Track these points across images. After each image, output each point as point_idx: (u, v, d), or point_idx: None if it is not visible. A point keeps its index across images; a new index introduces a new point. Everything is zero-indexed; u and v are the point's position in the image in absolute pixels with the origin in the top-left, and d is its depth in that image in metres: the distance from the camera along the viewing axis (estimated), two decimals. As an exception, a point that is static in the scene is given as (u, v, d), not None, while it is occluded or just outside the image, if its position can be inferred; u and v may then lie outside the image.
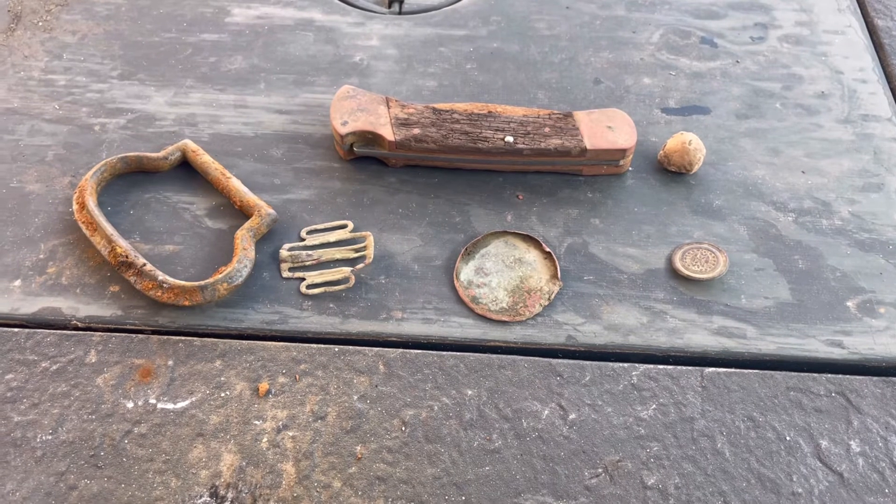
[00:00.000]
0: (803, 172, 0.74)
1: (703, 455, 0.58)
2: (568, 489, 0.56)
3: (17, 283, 0.66)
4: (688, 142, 0.71)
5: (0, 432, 0.58)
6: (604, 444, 0.58)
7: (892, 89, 0.82)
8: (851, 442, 0.59)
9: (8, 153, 0.74)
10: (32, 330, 0.63)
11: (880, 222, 0.71)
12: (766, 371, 0.62)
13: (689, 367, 0.62)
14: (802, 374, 0.62)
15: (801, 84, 0.82)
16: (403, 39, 0.85)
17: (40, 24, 0.86)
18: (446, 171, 0.74)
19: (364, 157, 0.74)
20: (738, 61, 0.84)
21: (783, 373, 0.62)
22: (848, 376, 0.62)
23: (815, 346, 0.63)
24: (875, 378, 0.62)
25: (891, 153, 0.76)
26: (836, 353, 0.63)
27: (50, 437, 0.58)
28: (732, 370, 0.62)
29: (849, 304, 0.66)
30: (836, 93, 0.81)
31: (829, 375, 0.62)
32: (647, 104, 0.80)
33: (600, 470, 0.57)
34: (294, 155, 0.75)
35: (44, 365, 0.62)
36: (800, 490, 0.56)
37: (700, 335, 0.64)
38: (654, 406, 0.60)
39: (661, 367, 0.62)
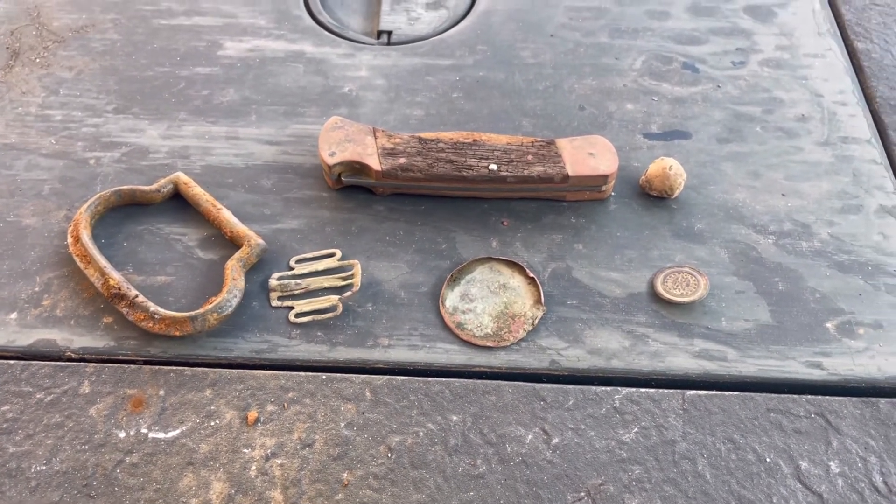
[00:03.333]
0: (783, 195, 0.76)
1: (685, 477, 0.59)
2: (551, 513, 0.57)
3: (14, 315, 0.67)
4: (668, 167, 0.73)
5: (-5, 463, 0.60)
6: (586, 467, 0.59)
7: (871, 111, 0.83)
8: (831, 463, 0.59)
9: (5, 188, 0.76)
10: (28, 361, 0.65)
11: (859, 244, 0.72)
12: (746, 393, 0.63)
13: (671, 390, 0.63)
14: (782, 395, 0.63)
15: (781, 107, 0.83)
16: (391, 70, 0.87)
17: (38, 60, 0.88)
18: (432, 199, 0.76)
19: (352, 186, 0.76)
20: (719, 86, 0.85)
21: (763, 394, 0.63)
22: (827, 397, 0.63)
23: (795, 367, 0.64)
24: (854, 399, 0.62)
25: (870, 175, 0.77)
26: (815, 375, 0.64)
27: (44, 468, 0.60)
28: (713, 392, 0.63)
29: (828, 325, 0.67)
30: (816, 116, 0.83)
31: (809, 397, 0.63)
32: (630, 130, 0.81)
33: (583, 493, 0.58)
34: (284, 185, 0.77)
35: (38, 396, 0.63)
36: (780, 511, 0.57)
37: (681, 358, 0.65)
38: (637, 429, 0.61)
39: (643, 390, 0.63)
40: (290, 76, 0.87)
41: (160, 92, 0.85)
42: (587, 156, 0.73)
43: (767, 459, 0.60)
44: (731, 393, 0.63)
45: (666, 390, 0.63)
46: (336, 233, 0.73)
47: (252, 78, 0.86)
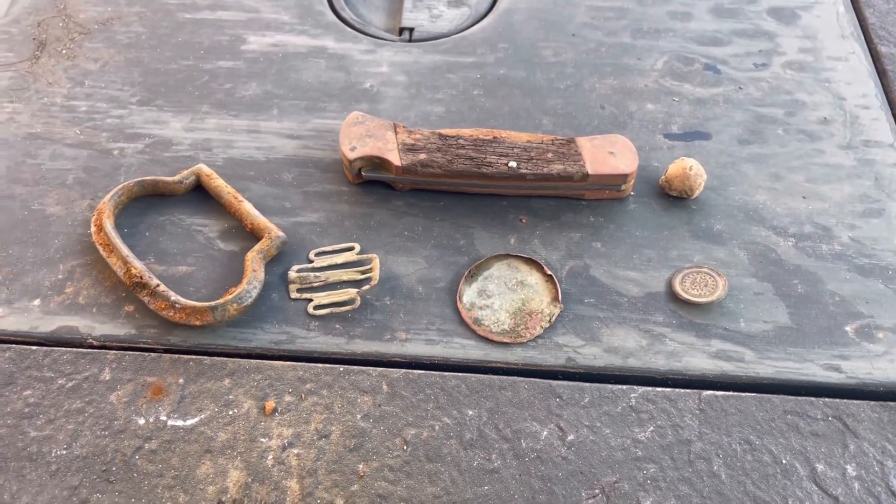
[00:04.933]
0: (804, 197, 0.75)
1: (700, 477, 0.59)
2: (565, 509, 0.57)
3: (37, 302, 0.68)
4: (688, 167, 0.73)
5: (17, 447, 0.61)
6: (601, 465, 0.59)
7: (894, 115, 0.83)
8: (847, 466, 0.59)
9: (30, 176, 0.77)
10: (50, 348, 0.66)
11: (880, 247, 0.71)
12: (763, 394, 0.63)
13: (687, 390, 0.63)
14: (800, 398, 0.63)
15: (803, 110, 0.83)
16: (412, 66, 0.88)
17: (64, 51, 0.90)
18: (451, 195, 0.76)
19: (372, 181, 0.76)
20: (741, 87, 0.85)
21: (781, 396, 0.63)
22: (845, 400, 0.62)
23: (813, 370, 0.64)
24: (872, 402, 0.62)
25: (892, 179, 0.77)
26: (833, 378, 0.64)
27: (64, 452, 0.60)
28: (730, 393, 0.63)
29: (847, 328, 0.66)
30: (839, 119, 0.82)
31: (827, 399, 0.62)
32: (651, 130, 0.81)
33: (597, 491, 0.58)
34: (304, 179, 0.78)
35: (60, 382, 0.64)
36: (795, 513, 0.57)
37: (698, 358, 0.65)
38: (652, 428, 0.61)
39: (659, 389, 0.63)
40: (311, 71, 0.87)
41: (184, 85, 0.86)
42: (607, 155, 0.73)
43: (784, 461, 0.59)
44: (747, 394, 0.63)
45: (682, 390, 0.63)
46: (355, 227, 0.74)
47: (274, 72, 0.87)
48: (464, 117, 0.83)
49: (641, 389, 0.63)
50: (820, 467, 0.59)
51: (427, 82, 0.86)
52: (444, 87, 0.86)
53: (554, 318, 0.67)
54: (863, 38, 0.91)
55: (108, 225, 0.71)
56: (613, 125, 0.82)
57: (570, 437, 0.61)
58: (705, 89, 0.85)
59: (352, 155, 0.74)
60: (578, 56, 0.89)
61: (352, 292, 0.68)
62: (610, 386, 0.63)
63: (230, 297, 0.66)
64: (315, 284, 0.70)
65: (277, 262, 0.71)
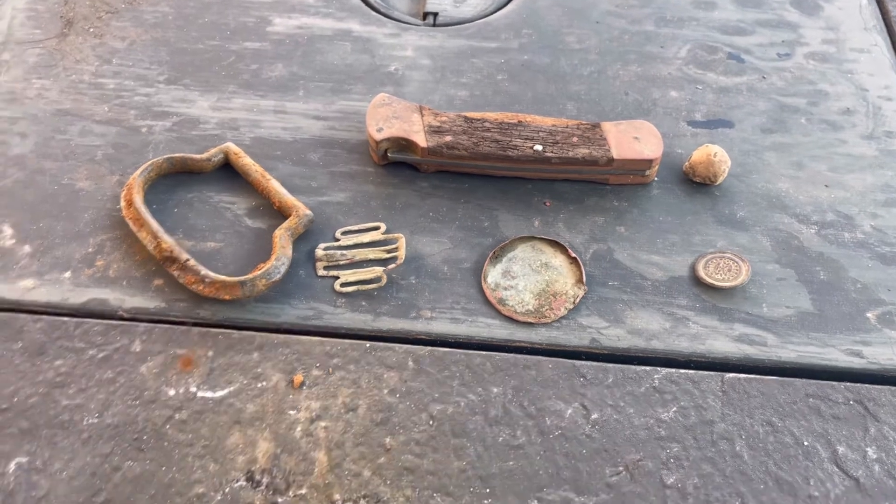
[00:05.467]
0: (826, 186, 0.76)
1: (722, 457, 0.60)
2: (589, 486, 0.58)
3: (67, 274, 0.69)
4: (713, 153, 0.73)
5: (48, 415, 0.62)
6: (625, 443, 0.60)
7: (916, 107, 0.83)
8: (868, 449, 0.60)
9: (60, 151, 0.78)
10: (81, 319, 0.67)
11: (902, 236, 0.72)
12: (785, 378, 0.64)
13: (710, 372, 0.64)
14: (821, 381, 0.63)
15: (826, 100, 0.84)
16: (437, 50, 0.88)
17: (91, 29, 0.90)
18: (476, 178, 0.77)
19: (397, 162, 0.77)
20: (764, 77, 0.85)
21: (802, 380, 0.63)
22: (867, 385, 0.63)
23: (835, 355, 0.65)
24: (893, 387, 0.63)
25: (914, 169, 0.77)
26: (855, 363, 0.64)
27: (96, 421, 0.61)
28: (753, 376, 0.64)
29: (869, 315, 0.67)
30: (861, 109, 0.83)
31: (848, 384, 0.63)
32: (674, 117, 0.82)
33: (621, 468, 0.59)
34: (330, 159, 0.78)
35: (91, 352, 0.65)
36: (816, 493, 0.58)
37: (721, 342, 0.65)
38: (675, 409, 0.62)
39: (682, 371, 0.64)
40: (337, 54, 0.88)
41: (210, 65, 0.87)
42: (632, 140, 0.74)
43: (805, 443, 0.60)
44: (770, 377, 0.63)
45: (705, 372, 0.64)
46: (380, 207, 0.75)
47: (300, 54, 0.88)
48: (488, 101, 0.83)
49: (665, 371, 0.64)
50: (841, 449, 0.60)
51: (451, 66, 0.87)
52: (468, 72, 0.86)
53: (578, 300, 0.68)
54: (885, 30, 0.92)
55: (138, 200, 0.71)
56: (637, 112, 0.82)
57: (595, 416, 0.62)
58: (729, 78, 0.85)
59: (378, 136, 0.75)
60: (602, 43, 0.89)
61: (378, 270, 0.69)
62: (633, 367, 0.64)
63: (259, 272, 0.67)
64: (342, 262, 0.70)
65: (304, 239, 0.72)
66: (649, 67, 0.86)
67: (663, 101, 0.83)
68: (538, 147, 0.73)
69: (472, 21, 0.92)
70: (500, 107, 0.83)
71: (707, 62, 0.87)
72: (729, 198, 0.75)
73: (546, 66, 0.87)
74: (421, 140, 0.74)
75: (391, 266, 0.69)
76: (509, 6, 0.94)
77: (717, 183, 0.75)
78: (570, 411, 0.62)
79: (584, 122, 0.76)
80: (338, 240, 0.72)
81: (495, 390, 0.63)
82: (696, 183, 0.76)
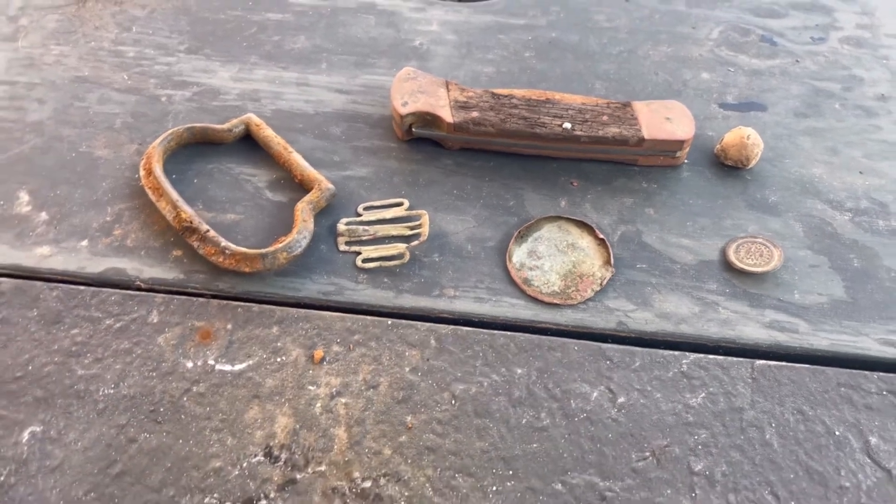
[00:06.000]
0: (861, 173, 0.74)
1: (752, 445, 0.58)
2: (615, 470, 0.57)
3: (85, 243, 0.68)
4: (746, 136, 0.71)
5: (64, 384, 0.61)
6: (652, 428, 0.59)
7: (954, 95, 0.81)
8: (902, 440, 0.58)
9: (78, 119, 0.77)
10: (98, 288, 0.66)
11: (939, 226, 0.70)
12: (817, 366, 0.62)
13: (740, 359, 0.62)
14: (854, 371, 0.62)
15: (860, 86, 0.81)
16: (463, 26, 0.86)
17: (111, -3, 0.89)
18: (502, 156, 0.75)
19: (421, 138, 0.75)
20: (797, 60, 0.83)
21: (834, 369, 0.62)
22: (901, 376, 0.61)
23: (868, 344, 0.63)
24: (929, 379, 0.61)
25: (952, 158, 0.75)
26: (889, 353, 0.63)
27: (112, 391, 0.60)
28: (783, 364, 0.62)
29: (904, 304, 0.65)
30: (897, 96, 0.81)
31: (881, 374, 0.61)
32: (705, 99, 0.80)
33: (648, 454, 0.58)
34: (353, 133, 0.77)
35: (108, 322, 0.64)
36: (847, 484, 0.56)
37: (752, 328, 0.64)
38: (704, 394, 0.60)
39: (711, 357, 0.62)
40: (360, 27, 0.86)
41: (232, 35, 0.85)
42: (664, 120, 0.72)
43: (836, 433, 0.59)
44: (801, 365, 0.62)
45: (735, 358, 0.62)
46: (404, 183, 0.73)
47: (323, 26, 0.86)
48: (515, 79, 0.82)
49: (693, 356, 0.62)
50: (873, 440, 0.58)
51: (477, 42, 0.85)
52: (494, 48, 0.84)
53: (605, 282, 0.66)
54: (923, 16, 0.89)
55: (158, 169, 0.70)
56: (667, 93, 0.80)
57: (621, 400, 0.60)
58: (761, 61, 0.83)
59: (404, 110, 0.73)
60: (632, 22, 0.87)
61: (401, 247, 0.68)
62: (661, 351, 0.63)
63: (280, 245, 0.65)
64: (364, 238, 0.69)
65: (326, 214, 0.70)
66: (680, 48, 0.84)
67: (694, 83, 0.81)
68: (567, 125, 0.72)
69: (498, -3, 0.91)
70: (526, 84, 0.81)
71: (739, 44, 0.85)
72: (761, 182, 0.73)
73: (575, 44, 0.85)
74: (447, 115, 0.72)
75: (414, 243, 0.68)
76: (537, -17, 0.92)
77: (749, 166, 0.73)
78: (595, 394, 0.60)
79: (613, 101, 0.74)
80: (360, 215, 0.71)
81: (519, 371, 0.62)
82: (728, 166, 0.74)
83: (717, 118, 0.78)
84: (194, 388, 0.60)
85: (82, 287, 0.66)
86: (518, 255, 0.68)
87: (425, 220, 0.69)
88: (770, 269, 0.66)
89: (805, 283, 0.66)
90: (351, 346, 0.63)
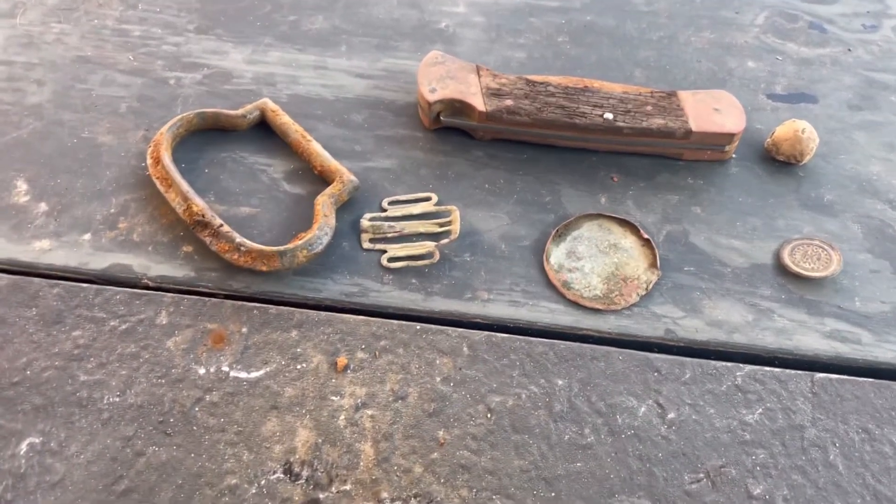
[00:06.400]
0: (921, 171, 0.69)
1: (814, 466, 0.53)
2: (666, 493, 0.52)
3: (87, 236, 0.63)
4: (801, 130, 0.66)
5: (65, 391, 0.56)
6: (705, 447, 0.54)
7: None
8: (979, 464, 0.54)
9: (80, 102, 0.72)
10: (101, 286, 0.60)
11: None
12: (882, 380, 0.57)
13: (799, 371, 0.57)
14: (922, 386, 0.57)
15: (917, 77, 0.76)
16: (492, 7, 0.81)
17: (115, -28, 0.83)
18: (536, 148, 0.70)
19: (449, 127, 0.70)
20: (849, 49, 0.78)
21: (902, 384, 0.57)
22: (973, 393, 0.57)
23: (937, 357, 0.58)
24: None
25: None
26: (959, 367, 0.58)
27: (117, 400, 0.55)
28: (845, 377, 0.57)
29: (974, 314, 0.61)
30: (956, 88, 0.76)
31: (952, 390, 0.57)
32: (752, 89, 0.75)
33: (702, 475, 0.53)
34: (376, 121, 0.72)
35: (112, 323, 0.59)
36: (921, 512, 0.52)
37: (810, 337, 0.59)
38: (761, 410, 0.56)
39: (767, 369, 0.57)
40: (382, 7, 0.81)
41: (244, 14, 0.80)
42: (712, 111, 0.67)
43: (906, 455, 0.54)
44: (864, 379, 0.57)
45: (793, 371, 0.57)
46: (431, 176, 0.68)
47: (342, 6, 0.81)
48: (548, 65, 0.76)
49: (748, 368, 0.57)
50: (947, 464, 0.54)
51: (508, 25, 0.80)
52: (526, 32, 0.79)
53: (651, 286, 0.61)
54: (978, 4, 0.84)
55: (167, 158, 0.65)
56: (711, 82, 0.75)
57: (671, 416, 0.55)
58: (811, 49, 0.78)
59: (432, 97, 0.68)
60: (672, 6, 0.82)
61: (430, 245, 0.63)
62: (713, 362, 0.58)
63: (300, 242, 0.60)
64: (389, 235, 0.64)
65: (348, 208, 0.65)
66: (723, 34, 0.79)
67: (740, 72, 0.76)
68: (608, 115, 0.66)
69: (527, -22, 0.85)
70: (560, 71, 0.76)
71: (787, 31, 0.80)
72: (815, 179, 0.68)
73: (611, 28, 0.79)
74: (479, 103, 0.67)
75: (444, 241, 0.62)
76: (568, -37, 0.87)
77: (803, 162, 0.68)
78: (643, 409, 0.56)
79: (657, 90, 0.69)
80: (385, 210, 0.66)
81: (560, 383, 0.57)
82: (779, 161, 0.69)
83: (766, 110, 0.73)
84: (207, 397, 0.55)
85: (85, 285, 0.61)
86: (556, 255, 0.63)
87: (456, 216, 0.64)
88: (829, 274, 0.61)
89: (866, 289, 0.62)
90: (377, 352, 0.58)
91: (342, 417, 0.55)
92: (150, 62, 0.75)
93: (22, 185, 0.65)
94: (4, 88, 0.72)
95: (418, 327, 0.59)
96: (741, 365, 0.58)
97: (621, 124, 0.66)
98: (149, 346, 0.58)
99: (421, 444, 0.54)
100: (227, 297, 0.61)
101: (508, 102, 0.67)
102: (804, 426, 0.55)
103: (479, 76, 0.69)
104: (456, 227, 0.63)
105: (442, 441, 0.54)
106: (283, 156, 0.69)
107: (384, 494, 0.52)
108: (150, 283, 0.61)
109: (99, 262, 0.62)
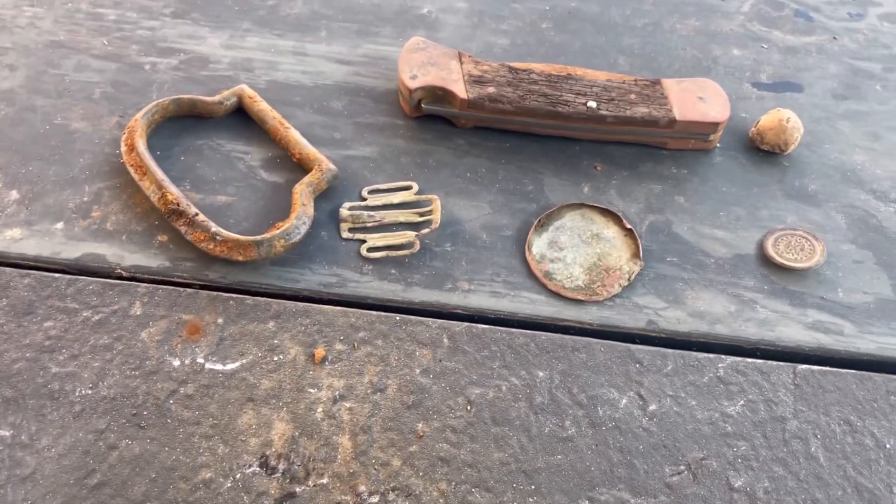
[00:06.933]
0: (905, 161, 0.69)
1: (796, 458, 0.53)
2: (647, 485, 0.52)
3: (60, 225, 0.62)
4: (785, 119, 0.66)
5: (36, 383, 0.54)
6: (687, 439, 0.54)
7: None
8: (959, 455, 0.54)
9: (53, 88, 0.70)
10: (74, 276, 0.59)
11: None
12: (864, 372, 0.57)
13: (781, 363, 0.57)
14: (904, 377, 0.57)
15: (902, 66, 0.76)
16: (475, -7, 0.80)
17: (90, -46, 0.81)
18: (518, 136, 0.69)
19: (431, 115, 0.69)
20: (835, 38, 0.78)
21: (883, 375, 0.57)
22: (954, 384, 0.57)
23: (919, 348, 0.58)
24: (985, 388, 0.56)
25: None
26: (941, 358, 0.58)
27: (90, 392, 0.54)
28: (828, 369, 0.57)
29: (956, 305, 0.60)
30: (941, 78, 0.75)
31: (934, 381, 0.57)
32: (737, 77, 0.74)
33: (683, 467, 0.53)
34: (356, 108, 0.70)
35: (85, 314, 0.57)
36: (901, 504, 0.52)
37: (793, 329, 0.59)
38: (743, 402, 0.55)
39: (749, 360, 0.57)
40: (363, -8, 0.79)
41: (222, -2, 0.78)
42: (696, 100, 0.66)
43: (887, 445, 0.54)
44: (847, 370, 0.57)
45: (775, 362, 0.57)
46: (412, 165, 0.67)
47: (323, -9, 0.79)
48: (531, 51, 0.75)
49: (730, 359, 0.57)
50: (928, 455, 0.54)
51: (491, 11, 0.78)
52: (509, 18, 0.78)
53: (633, 277, 0.60)
54: (964, -7, 0.84)
55: (141, 145, 0.63)
56: (696, 70, 0.74)
57: (652, 407, 0.55)
58: (796, 37, 0.78)
59: (412, 84, 0.67)
60: (657, -7, 0.81)
61: (410, 235, 0.62)
62: (695, 353, 0.57)
63: (277, 231, 0.59)
64: (369, 224, 0.63)
65: (326, 197, 0.64)
66: (709, 21, 0.78)
67: (725, 60, 0.75)
68: (592, 104, 0.66)
69: (511, -37, 0.84)
70: (544, 58, 0.75)
71: (772, 19, 0.79)
72: (799, 169, 0.68)
73: (595, 15, 0.78)
74: (460, 90, 0.66)
75: (424, 231, 0.62)
76: (553, -51, 0.85)
77: (787, 152, 0.67)
78: (624, 401, 0.55)
79: (641, 78, 0.68)
80: (364, 199, 0.64)
81: (541, 374, 0.56)
82: (763, 151, 0.68)
83: (751, 98, 0.72)
84: (182, 390, 0.54)
85: (57, 274, 0.59)
86: (538, 245, 0.62)
87: (437, 205, 0.63)
88: (812, 265, 0.60)
89: (849, 280, 0.61)
90: (355, 344, 0.57)
91: (320, 410, 0.54)
92: (125, 47, 0.73)
93: (-8, 173, 0.64)
94: (-26, 73, 0.71)
95: (398, 318, 0.58)
96: (723, 356, 0.57)
97: (605, 113, 0.65)
98: (122, 338, 0.56)
99: (399, 437, 0.53)
100: (202, 287, 0.59)
101: (491, 90, 0.66)
102: (786, 418, 0.55)
103: (462, 63, 0.68)
104: (437, 217, 0.62)
105: (421, 434, 0.53)
106: (261, 143, 0.67)
107: (362, 488, 0.51)
108: (124, 273, 0.60)
109: (71, 251, 0.60)
